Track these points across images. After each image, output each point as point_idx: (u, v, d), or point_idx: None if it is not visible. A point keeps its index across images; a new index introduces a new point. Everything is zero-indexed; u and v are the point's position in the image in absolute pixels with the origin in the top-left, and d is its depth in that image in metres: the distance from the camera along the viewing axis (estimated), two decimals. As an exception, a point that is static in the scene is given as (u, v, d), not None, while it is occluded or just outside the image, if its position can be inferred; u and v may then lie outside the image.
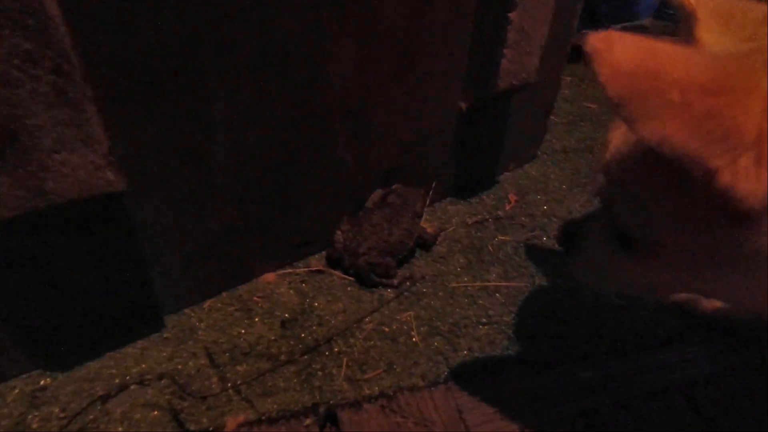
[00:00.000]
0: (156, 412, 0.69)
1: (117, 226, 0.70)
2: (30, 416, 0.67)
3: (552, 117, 1.36)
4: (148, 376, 0.73)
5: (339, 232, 0.94)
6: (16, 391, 0.70)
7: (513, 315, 0.85)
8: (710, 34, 0.43)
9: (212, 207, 0.79)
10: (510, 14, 0.94)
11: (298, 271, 0.93)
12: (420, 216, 1.00)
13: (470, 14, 0.94)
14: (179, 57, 0.64)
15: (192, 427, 0.67)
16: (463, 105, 1.04)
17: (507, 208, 1.13)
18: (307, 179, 0.88)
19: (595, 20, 2.24)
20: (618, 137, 0.45)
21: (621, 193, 0.45)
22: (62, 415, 0.67)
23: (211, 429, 0.67)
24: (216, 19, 0.64)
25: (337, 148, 0.89)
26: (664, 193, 0.40)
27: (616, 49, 0.34)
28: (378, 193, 0.99)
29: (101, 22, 0.57)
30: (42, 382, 0.71)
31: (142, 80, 0.63)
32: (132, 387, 0.71)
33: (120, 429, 0.66)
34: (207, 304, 0.86)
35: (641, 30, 2.27)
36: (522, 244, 1.02)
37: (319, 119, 0.83)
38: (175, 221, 0.76)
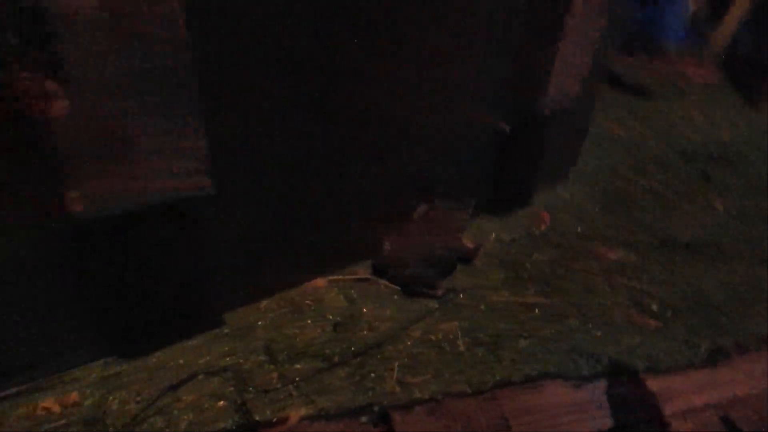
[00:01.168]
0: (222, 402, 0.74)
1: (194, 228, 0.76)
2: (111, 398, 0.72)
3: (584, 141, 1.41)
4: (213, 368, 0.78)
5: (386, 243, 0.99)
6: (94, 375, 0.75)
7: (551, 331, 0.90)
8: None
9: (272, 212, 0.84)
10: (559, 43, 0.99)
11: (345, 278, 0.98)
12: (462, 231, 1.05)
13: (512, 44, 1.00)
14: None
15: (257, 417, 0.72)
16: (507, 127, 1.09)
17: (542, 227, 1.18)
18: (356, 192, 0.93)
19: (623, 45, 2.29)
20: None
21: None
22: (138, 398, 0.72)
23: (274, 420, 0.72)
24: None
25: (384, 163, 0.95)
26: None
27: None
28: (423, 207, 1.04)
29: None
30: (117, 369, 0.77)
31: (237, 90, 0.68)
32: (199, 377, 0.77)
33: (191, 416, 0.71)
34: (263, 304, 0.91)
35: (668, 54, 2.32)
36: (556, 263, 1.06)
37: (368, 136, 0.89)
38: (241, 224, 0.81)
